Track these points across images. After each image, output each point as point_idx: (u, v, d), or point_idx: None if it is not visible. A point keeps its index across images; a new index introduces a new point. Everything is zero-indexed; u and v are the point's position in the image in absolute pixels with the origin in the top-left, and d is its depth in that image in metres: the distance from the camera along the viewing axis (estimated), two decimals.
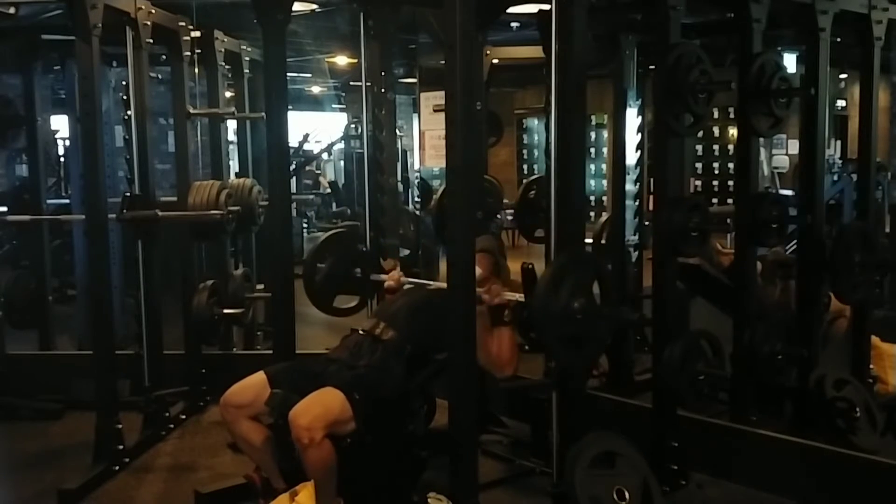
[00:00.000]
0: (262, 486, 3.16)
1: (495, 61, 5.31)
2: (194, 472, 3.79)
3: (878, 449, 3.50)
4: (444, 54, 2.79)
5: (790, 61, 7.43)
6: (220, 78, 5.14)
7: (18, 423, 4.44)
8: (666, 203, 3.43)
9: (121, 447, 3.79)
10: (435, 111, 5.22)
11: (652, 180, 3.87)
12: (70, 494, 3.43)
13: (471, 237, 2.85)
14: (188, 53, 4.60)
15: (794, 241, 4.25)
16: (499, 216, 5.23)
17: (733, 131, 10.12)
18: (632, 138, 4.81)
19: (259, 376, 3.08)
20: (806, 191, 3.86)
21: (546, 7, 3.06)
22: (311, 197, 10.46)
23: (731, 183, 10.96)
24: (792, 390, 3.70)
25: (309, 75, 11.22)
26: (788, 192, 8.49)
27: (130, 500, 3.52)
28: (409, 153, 9.61)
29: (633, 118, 4.79)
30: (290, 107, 3.86)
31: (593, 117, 12.05)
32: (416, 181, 7.67)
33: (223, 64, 5.18)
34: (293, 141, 8.99)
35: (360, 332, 3.28)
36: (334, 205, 11.38)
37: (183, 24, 4.56)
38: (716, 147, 11.47)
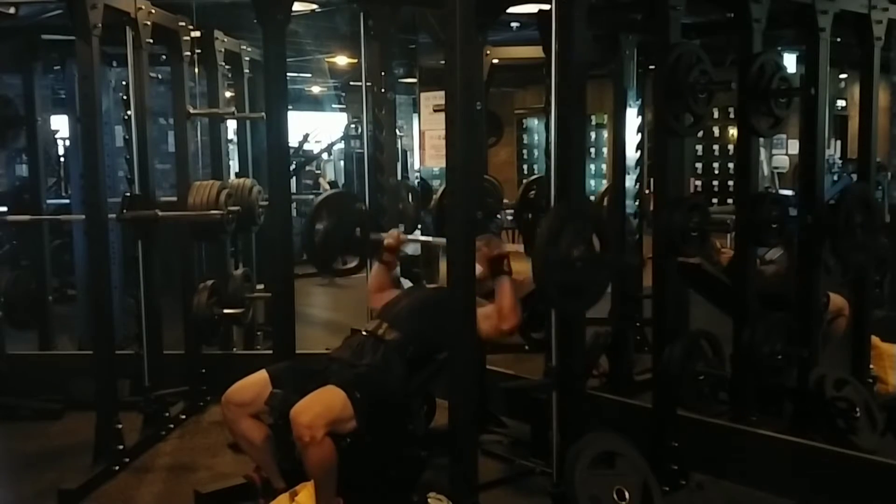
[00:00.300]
0: (262, 485, 3.16)
1: (495, 61, 5.30)
2: (194, 472, 3.79)
3: (878, 449, 3.50)
4: (444, 54, 2.79)
5: (790, 61, 7.43)
6: (220, 78, 5.15)
7: (18, 423, 4.44)
8: (666, 203, 3.43)
9: (121, 447, 3.79)
10: (435, 111, 5.21)
11: (652, 180, 3.87)
12: (70, 494, 3.43)
13: (471, 237, 2.85)
14: (188, 53, 4.61)
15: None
16: (499, 216, 5.22)
17: (733, 131, 10.12)
18: (632, 138, 4.81)
19: (260, 375, 3.08)
20: (806, 191, 3.86)
21: (546, 7, 3.06)
22: (311, 197, 10.45)
23: (731, 183, 10.97)
24: (792, 390, 3.70)
25: (309, 75, 11.23)
26: (788, 192, 8.49)
27: (130, 500, 3.52)
28: (409, 153, 9.62)
29: (633, 118, 4.79)
30: (290, 107, 3.86)
31: (593, 117, 12.05)
32: (416, 181, 7.67)
33: (223, 64, 5.18)
34: (293, 141, 8.98)
35: (363, 332, 3.28)
36: None
37: (183, 24, 4.56)
38: (716, 147, 11.48)
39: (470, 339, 2.86)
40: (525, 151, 14.03)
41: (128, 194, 4.17)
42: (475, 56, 3.43)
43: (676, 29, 3.38)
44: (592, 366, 4.49)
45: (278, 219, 3.69)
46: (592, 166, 12.46)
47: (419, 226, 4.69)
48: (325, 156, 12.22)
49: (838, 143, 11.65)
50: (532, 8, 4.52)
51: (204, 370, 4.64)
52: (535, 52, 4.34)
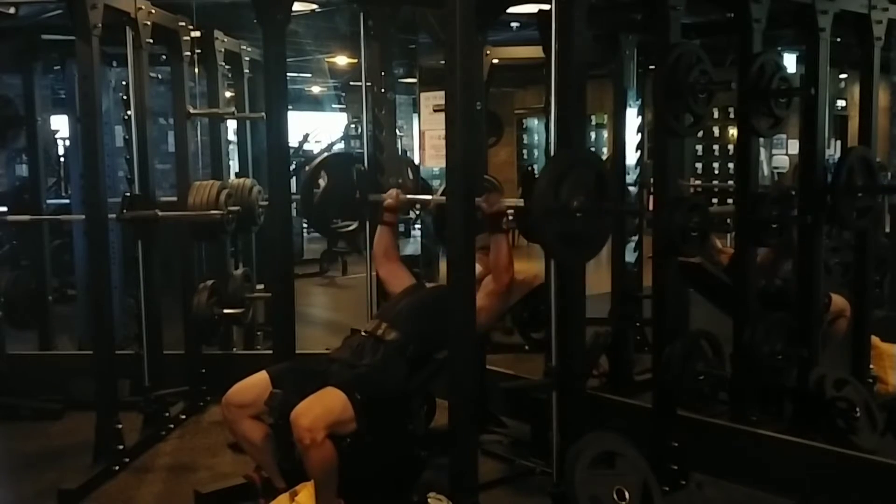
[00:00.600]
0: (262, 485, 3.17)
1: (495, 61, 5.31)
2: (194, 472, 3.79)
3: (878, 449, 3.50)
4: (444, 54, 2.79)
5: (790, 61, 7.44)
6: (220, 78, 5.15)
7: (18, 423, 4.44)
8: (666, 203, 3.43)
9: (121, 447, 3.79)
10: (435, 111, 5.22)
11: (652, 180, 3.87)
12: (70, 494, 3.43)
13: (471, 237, 2.85)
14: (188, 53, 4.61)
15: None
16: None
17: (733, 131, 10.13)
18: (632, 138, 4.81)
19: (261, 376, 3.08)
20: (806, 191, 3.86)
21: (546, 7, 3.06)
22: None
23: (731, 183, 10.97)
24: (792, 390, 3.70)
25: (309, 75, 11.23)
26: None
27: (130, 500, 3.52)
28: (409, 153, 9.62)
29: (633, 118, 4.79)
30: (290, 107, 3.86)
31: (593, 117, 12.06)
32: None
33: (223, 64, 5.18)
34: (293, 141, 8.99)
35: (363, 332, 3.28)
36: None
37: (183, 24, 4.56)
38: (716, 147, 11.48)
39: (470, 339, 2.86)
40: (525, 151, 14.04)
41: (128, 194, 4.17)
42: (475, 56, 3.43)
43: (676, 29, 3.38)
44: (592, 366, 4.50)
45: (278, 219, 3.70)
46: None
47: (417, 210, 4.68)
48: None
49: (838, 143, 11.65)
50: (532, 8, 4.52)
51: (204, 370, 4.64)
52: (535, 52, 4.35)
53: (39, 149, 5.30)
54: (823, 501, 3.33)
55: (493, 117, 7.00)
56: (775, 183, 10.10)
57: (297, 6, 4.33)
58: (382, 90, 4.11)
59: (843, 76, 11.06)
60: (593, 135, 12.53)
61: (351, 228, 4.00)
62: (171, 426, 4.30)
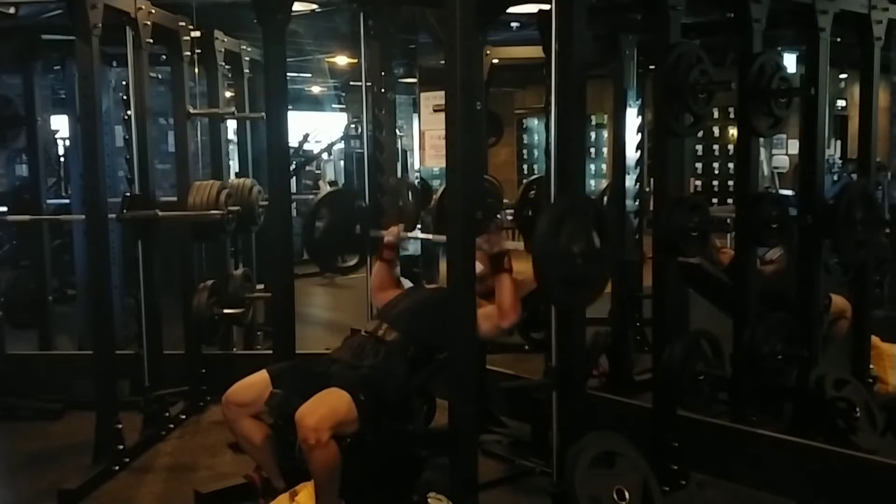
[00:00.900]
0: (262, 485, 3.17)
1: (495, 61, 5.30)
2: (194, 472, 3.79)
3: (878, 449, 3.50)
4: (444, 54, 2.79)
5: (790, 61, 7.43)
6: (220, 78, 5.15)
7: (18, 423, 4.44)
8: (666, 203, 3.43)
9: (121, 447, 3.79)
10: (435, 111, 5.22)
11: (652, 180, 3.87)
12: (70, 494, 3.43)
13: (471, 237, 2.85)
14: (188, 53, 4.61)
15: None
16: (499, 216, 5.22)
17: (733, 131, 10.13)
18: (632, 138, 4.81)
19: (261, 375, 3.08)
20: (806, 191, 3.86)
21: (546, 7, 3.06)
22: (311, 197, 10.45)
23: (731, 183, 10.97)
24: (792, 390, 3.70)
25: (309, 75, 11.23)
26: (788, 192, 8.49)
27: (130, 500, 3.52)
28: (409, 153, 9.61)
29: (633, 118, 4.79)
30: (290, 107, 3.86)
31: (593, 117, 12.05)
32: (416, 181, 7.66)
33: (223, 64, 5.19)
34: (293, 141, 8.98)
35: (363, 332, 3.28)
36: None
37: (183, 24, 4.56)
38: (716, 147, 11.48)
39: (470, 339, 2.86)
40: (525, 151, 14.03)
41: (128, 194, 4.17)
42: (475, 56, 3.42)
43: (676, 29, 3.38)
44: (592, 366, 4.49)
45: (278, 219, 3.69)
46: (592, 166, 12.46)
47: (419, 224, 4.70)
48: (325, 156, 12.22)
49: (838, 143, 11.65)
50: (532, 8, 4.52)
51: (204, 370, 4.64)
52: (535, 52, 4.34)
53: (39, 149, 5.30)
54: (823, 501, 3.33)
55: (493, 117, 6.97)
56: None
57: (297, 6, 4.32)
58: (382, 90, 4.11)
59: (843, 76, 11.06)
60: (593, 135, 12.52)
61: (352, 264, 4.01)
62: (171, 426, 4.30)
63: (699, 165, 11.51)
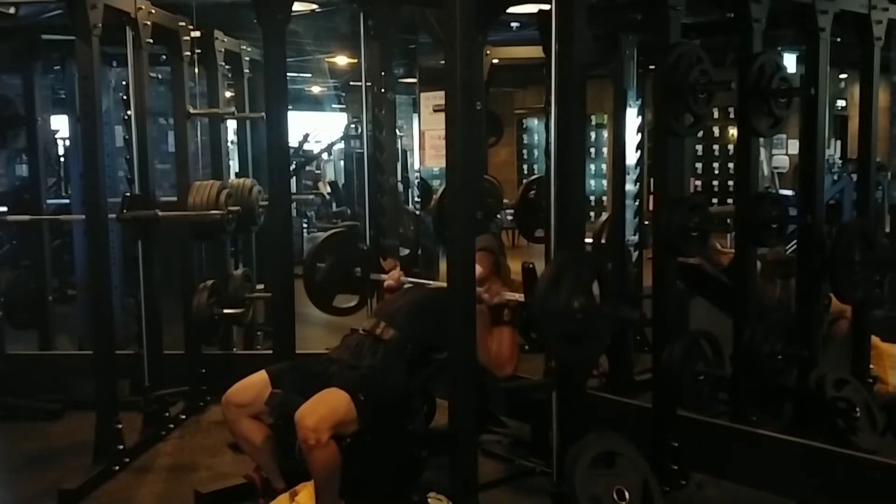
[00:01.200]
0: (262, 485, 3.16)
1: (495, 61, 5.30)
2: (194, 472, 3.79)
3: (878, 449, 3.50)
4: (444, 54, 2.79)
5: (790, 61, 7.43)
6: (220, 78, 5.14)
7: (18, 423, 4.44)
8: (666, 203, 3.43)
9: (121, 447, 3.79)
10: (435, 111, 5.21)
11: (652, 180, 3.86)
12: (70, 494, 3.43)
13: (471, 237, 2.85)
14: (188, 53, 4.60)
15: (794, 241, 4.24)
16: (499, 216, 5.23)
17: (733, 131, 10.13)
18: (632, 138, 4.81)
19: (260, 375, 3.08)
20: (806, 191, 3.86)
21: (546, 7, 3.06)
22: (311, 197, 10.46)
23: (731, 183, 10.97)
24: (792, 390, 3.70)
25: (309, 75, 11.22)
26: (788, 192, 8.50)
27: (130, 500, 3.52)
28: (409, 153, 9.61)
29: (633, 118, 4.79)
30: (290, 107, 3.86)
31: (593, 117, 12.06)
32: (416, 181, 7.66)
33: (223, 64, 5.18)
34: (293, 141, 8.98)
35: (361, 331, 3.28)
36: (334, 205, 11.37)
37: (183, 24, 4.56)
38: (716, 147, 11.48)
39: (470, 339, 2.86)
40: (525, 151, 14.04)
41: (128, 194, 4.17)
42: (475, 56, 3.42)
43: (676, 29, 3.38)
44: (592, 366, 4.49)
45: (278, 219, 3.70)
46: (592, 166, 12.47)
47: (419, 250, 4.74)
48: (325, 156, 12.23)
49: (838, 143, 11.65)
50: (532, 8, 4.52)
51: (204, 370, 4.64)
52: (535, 52, 4.34)
53: (39, 149, 5.30)
54: (823, 501, 3.33)
55: (493, 117, 6.98)
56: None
57: (297, 6, 4.32)
58: (382, 90, 4.11)
59: (843, 76, 11.06)
60: (593, 135, 12.52)
61: (352, 305, 4.03)
62: (171, 426, 4.31)
63: (699, 165, 11.51)
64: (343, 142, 11.44)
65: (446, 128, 2.79)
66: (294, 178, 8.81)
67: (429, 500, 3.01)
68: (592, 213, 10.24)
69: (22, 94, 5.17)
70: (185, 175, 4.54)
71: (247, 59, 5.57)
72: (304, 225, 10.14)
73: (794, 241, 4.11)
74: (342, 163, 12.47)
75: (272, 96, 3.61)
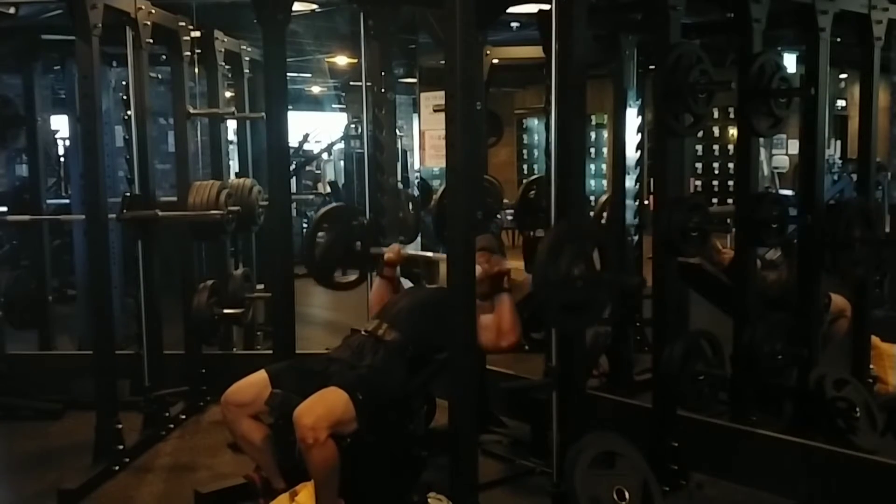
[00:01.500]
0: (262, 485, 3.16)
1: (495, 61, 5.30)
2: (194, 472, 3.79)
3: (878, 449, 3.50)
4: (444, 54, 2.79)
5: (790, 61, 7.43)
6: (220, 78, 5.15)
7: (18, 423, 4.44)
8: (666, 203, 3.43)
9: (121, 447, 3.79)
10: (435, 111, 5.21)
11: (652, 180, 3.87)
12: (70, 494, 3.43)
13: (471, 237, 2.85)
14: (188, 53, 4.61)
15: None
16: (499, 216, 5.22)
17: (733, 131, 10.13)
18: (632, 138, 4.81)
19: (260, 375, 3.08)
20: (806, 191, 3.86)
21: (546, 7, 3.06)
22: (311, 197, 10.46)
23: (731, 183, 10.97)
24: (792, 390, 3.70)
25: (309, 75, 11.22)
26: (788, 192, 8.50)
27: (130, 500, 3.52)
28: (409, 153, 9.61)
29: (633, 118, 4.79)
30: (290, 107, 3.86)
31: (593, 117, 12.05)
32: (416, 181, 7.67)
33: (223, 64, 5.18)
34: (293, 141, 8.98)
35: (363, 332, 3.28)
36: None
37: (183, 24, 4.56)
38: (716, 147, 11.48)
39: (470, 339, 2.86)
40: (525, 151, 14.04)
41: (128, 194, 4.17)
42: (475, 56, 3.42)
43: (676, 29, 3.38)
44: (592, 366, 4.49)
45: (278, 219, 3.70)
46: (592, 166, 12.46)
47: (419, 234, 4.72)
48: (325, 156, 12.23)
49: (838, 143, 11.66)
50: (532, 8, 4.52)
51: (204, 370, 4.64)
52: (535, 52, 4.34)
53: (39, 149, 5.30)
54: (823, 501, 3.33)
55: (493, 117, 6.99)
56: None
57: (297, 6, 4.32)
58: (382, 90, 4.11)
59: (843, 76, 11.06)
60: (593, 135, 12.52)
61: (352, 280, 4.02)
62: (171, 426, 4.30)
63: (699, 165, 11.51)
64: (343, 142, 11.43)
65: (446, 128, 2.79)
66: (294, 178, 8.82)
67: (429, 500, 3.01)
68: (592, 214, 10.23)
69: (22, 94, 5.18)
70: (185, 175, 4.54)
71: (247, 59, 5.58)
72: (304, 225, 10.13)
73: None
74: (342, 163, 12.46)
75: (272, 96, 3.61)
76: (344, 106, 13.25)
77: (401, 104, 5.24)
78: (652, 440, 3.40)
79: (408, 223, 4.31)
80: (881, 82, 4.23)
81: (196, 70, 4.95)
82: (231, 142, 6.07)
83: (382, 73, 4.12)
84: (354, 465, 2.94)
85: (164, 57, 4.77)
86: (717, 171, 11.51)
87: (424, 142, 5.56)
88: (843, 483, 3.31)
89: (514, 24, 6.66)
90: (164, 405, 4.29)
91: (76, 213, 5.42)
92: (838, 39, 3.86)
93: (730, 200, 10.31)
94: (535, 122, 13.52)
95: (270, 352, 3.78)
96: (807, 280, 3.85)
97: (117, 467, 3.74)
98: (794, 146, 9.22)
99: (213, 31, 5.06)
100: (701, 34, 4.36)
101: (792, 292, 3.95)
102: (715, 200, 10.95)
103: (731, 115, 10.22)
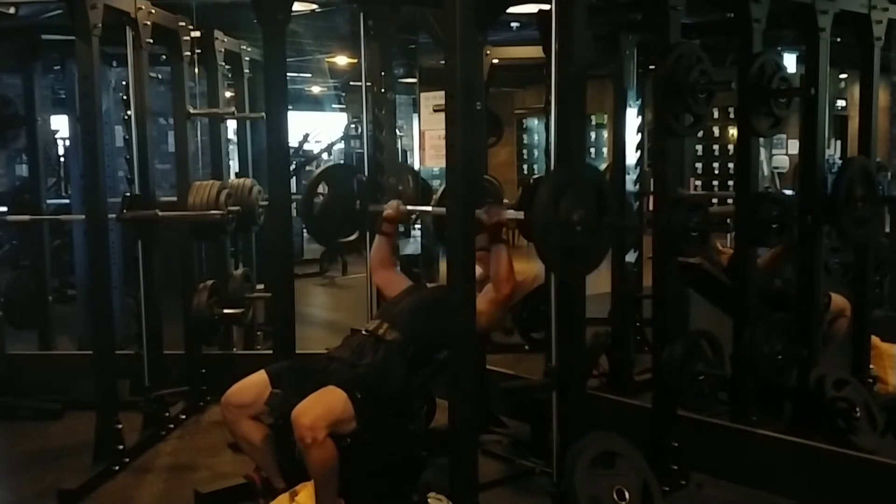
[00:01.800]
0: (262, 485, 3.16)
1: (495, 61, 5.31)
2: (194, 472, 3.79)
3: (878, 449, 3.50)
4: (444, 54, 2.79)
5: (790, 61, 7.43)
6: (220, 78, 5.15)
7: (18, 423, 4.44)
8: (666, 203, 3.43)
9: (121, 447, 3.79)
10: (435, 111, 5.22)
11: (652, 180, 3.87)
12: (70, 494, 3.43)
13: (471, 237, 2.85)
14: (188, 53, 4.61)
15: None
16: None
17: (733, 131, 10.13)
18: (632, 138, 4.81)
19: (260, 375, 3.08)
20: (806, 191, 3.86)
21: (546, 7, 3.06)
22: None
23: (731, 183, 10.97)
24: (792, 390, 3.70)
25: (309, 75, 11.24)
26: (788, 192, 8.49)
27: (130, 500, 3.52)
28: (409, 153, 9.62)
29: (633, 118, 4.79)
30: (290, 107, 3.86)
31: (593, 117, 12.05)
32: None
33: (223, 64, 5.19)
34: (293, 141, 8.99)
35: (363, 332, 3.28)
36: None
37: (183, 24, 4.56)
38: (716, 147, 11.48)
39: (470, 339, 2.86)
40: (525, 151, 14.04)
41: (128, 194, 4.17)
42: (475, 56, 3.42)
43: (676, 29, 3.38)
44: (592, 366, 4.49)
45: (278, 219, 3.69)
46: None
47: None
48: (325, 156, 12.25)
49: (838, 143, 11.66)
50: (532, 8, 4.52)
51: (204, 370, 4.64)
52: (535, 52, 4.35)
53: (39, 149, 5.30)
54: (823, 501, 3.33)
55: (493, 117, 6.99)
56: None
57: (297, 6, 4.33)
58: (382, 90, 4.11)
59: (843, 76, 11.07)
60: (593, 135, 12.52)
61: (351, 239, 4.01)
62: (171, 426, 4.30)
63: (699, 165, 11.51)
64: (343, 142, 11.45)
65: (446, 128, 2.79)
66: (294, 178, 8.82)
67: (429, 500, 3.01)
68: None
69: (22, 94, 5.17)
70: (185, 175, 4.54)
71: (247, 59, 5.58)
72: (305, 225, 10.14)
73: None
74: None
75: (272, 96, 3.61)
76: (344, 106, 13.27)
77: (401, 104, 5.25)
78: (652, 440, 3.40)
79: (408, 194, 4.28)
80: (881, 82, 4.23)
81: (196, 70, 4.95)
82: (231, 142, 6.07)
83: (382, 73, 4.12)
84: (354, 465, 2.94)
85: (164, 57, 4.77)
86: (717, 171, 11.51)
87: (424, 142, 5.58)
88: (844, 483, 3.31)
89: (514, 24, 6.67)
90: (164, 405, 4.29)
91: (76, 213, 5.42)
92: (838, 39, 3.86)
93: (730, 200, 10.31)
94: (535, 122, 13.53)
95: (270, 352, 3.78)
96: (807, 280, 3.85)
97: (117, 467, 3.74)
98: (794, 146, 9.21)
99: (213, 31, 5.06)
100: (701, 34, 4.36)
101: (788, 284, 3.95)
102: (715, 200, 10.94)
103: (731, 115, 10.22)
